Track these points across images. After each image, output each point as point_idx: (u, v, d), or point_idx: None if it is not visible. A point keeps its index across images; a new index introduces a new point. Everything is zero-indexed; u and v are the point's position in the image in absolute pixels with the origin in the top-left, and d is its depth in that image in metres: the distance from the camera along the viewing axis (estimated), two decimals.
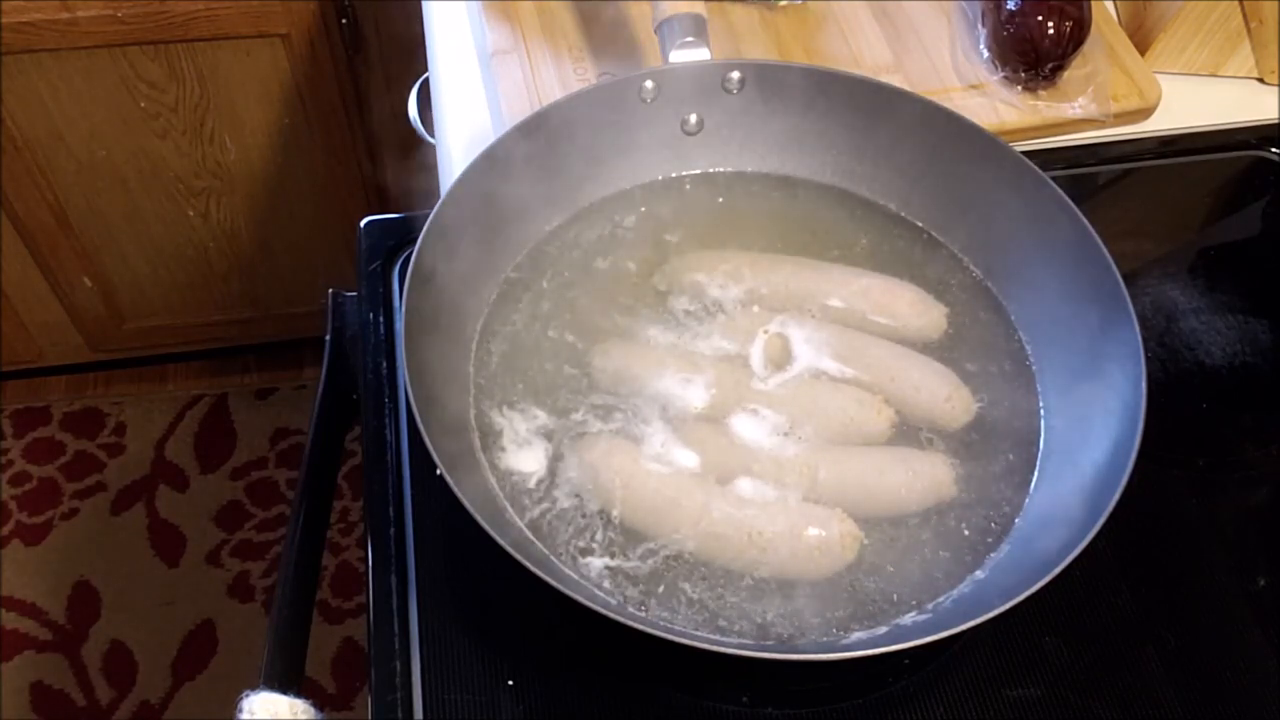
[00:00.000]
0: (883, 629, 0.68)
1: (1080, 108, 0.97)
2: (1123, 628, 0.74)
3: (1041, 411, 0.78)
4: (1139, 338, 0.72)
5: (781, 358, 0.80)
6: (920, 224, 0.87)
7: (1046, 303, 0.80)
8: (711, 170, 0.90)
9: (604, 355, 0.79)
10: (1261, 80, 1.05)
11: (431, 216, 0.74)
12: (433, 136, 1.01)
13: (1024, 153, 0.81)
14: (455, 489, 0.63)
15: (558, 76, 0.95)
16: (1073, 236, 0.77)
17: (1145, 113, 1.00)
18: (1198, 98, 1.03)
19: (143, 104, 1.54)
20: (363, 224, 0.91)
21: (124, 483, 1.95)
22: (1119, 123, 0.99)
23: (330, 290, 0.91)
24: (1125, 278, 0.74)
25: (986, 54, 0.99)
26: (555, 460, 0.74)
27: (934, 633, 0.61)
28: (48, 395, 2.05)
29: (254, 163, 1.67)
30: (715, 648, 0.63)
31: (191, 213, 1.73)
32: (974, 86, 0.98)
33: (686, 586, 0.69)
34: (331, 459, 0.88)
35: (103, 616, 1.81)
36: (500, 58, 0.97)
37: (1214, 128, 1.02)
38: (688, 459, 0.74)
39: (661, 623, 0.67)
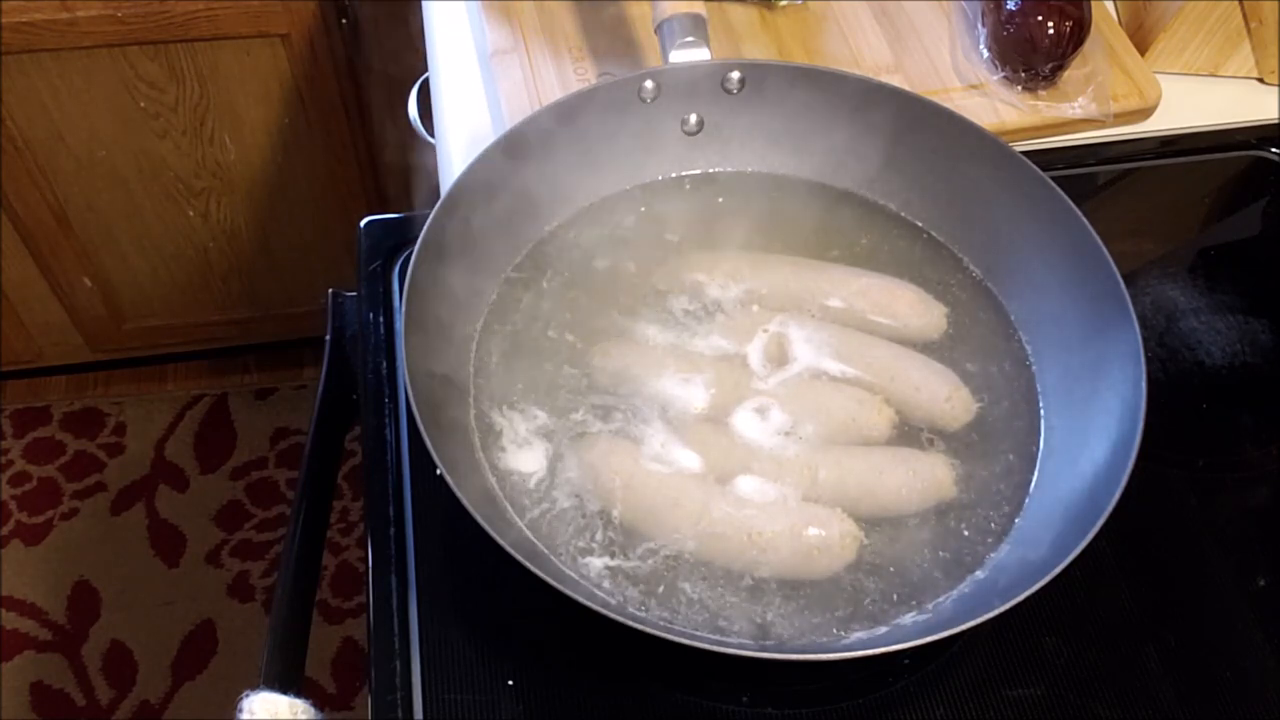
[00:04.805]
0: (883, 629, 0.68)
1: (1080, 108, 0.97)
2: (1123, 628, 0.74)
3: (1041, 411, 0.78)
4: (1139, 338, 0.72)
5: (781, 357, 0.79)
6: (920, 224, 0.87)
7: (1046, 303, 0.80)
8: (711, 170, 0.90)
9: (604, 355, 0.79)
10: (1261, 80, 1.05)
11: (431, 216, 0.74)
12: (433, 136, 1.01)
13: (1024, 153, 0.81)
14: (455, 489, 0.63)
15: (558, 76, 0.95)
16: (1073, 236, 0.77)
17: (1145, 113, 1.00)
18: (1198, 98, 1.03)
19: (143, 104, 1.54)
20: (363, 224, 0.91)
21: (124, 483, 1.95)
22: (1119, 123, 0.99)
23: (330, 290, 0.91)
24: (1125, 278, 0.74)
25: (986, 54, 0.99)
26: (555, 460, 0.74)
27: (934, 633, 0.62)
28: (48, 395, 2.05)
29: (254, 163, 1.67)
30: (715, 648, 0.63)
31: (191, 213, 1.73)
32: (974, 86, 0.98)
33: (686, 586, 0.69)
34: (331, 459, 0.88)
35: (103, 616, 1.81)
36: (500, 58, 0.97)
37: (1214, 128, 1.02)
38: (687, 459, 0.74)
39: (661, 623, 0.67)
